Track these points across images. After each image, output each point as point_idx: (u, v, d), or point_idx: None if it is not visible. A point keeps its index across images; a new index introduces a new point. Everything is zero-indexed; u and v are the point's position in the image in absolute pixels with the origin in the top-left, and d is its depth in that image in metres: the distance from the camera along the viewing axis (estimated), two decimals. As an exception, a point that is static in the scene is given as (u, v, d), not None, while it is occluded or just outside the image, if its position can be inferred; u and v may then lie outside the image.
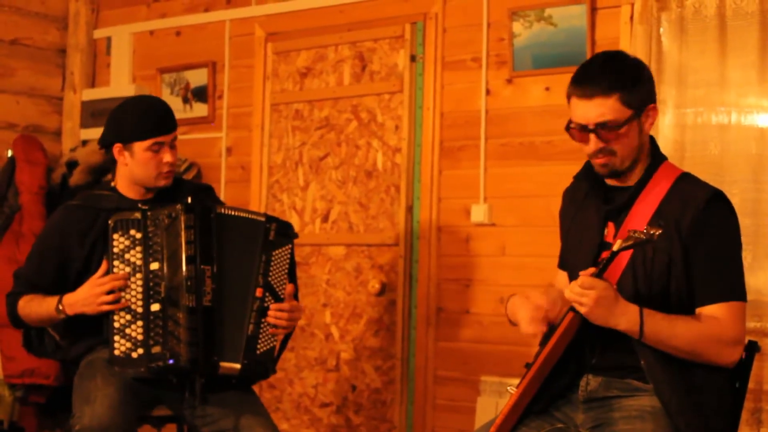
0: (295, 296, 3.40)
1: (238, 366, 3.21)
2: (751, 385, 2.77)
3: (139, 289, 3.20)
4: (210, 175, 5.15)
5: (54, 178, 5.07)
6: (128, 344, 3.18)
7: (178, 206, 3.21)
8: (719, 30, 3.81)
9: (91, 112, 5.44)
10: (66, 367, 4.36)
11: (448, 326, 4.41)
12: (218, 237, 3.26)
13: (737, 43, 3.78)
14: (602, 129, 2.57)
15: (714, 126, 3.84)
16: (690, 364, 2.53)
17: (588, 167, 2.75)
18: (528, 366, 2.61)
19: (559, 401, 2.66)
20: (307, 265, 4.78)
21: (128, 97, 3.59)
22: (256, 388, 3.48)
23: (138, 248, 3.22)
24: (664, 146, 3.11)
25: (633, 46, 3.91)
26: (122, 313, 3.19)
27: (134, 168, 3.33)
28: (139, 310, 3.19)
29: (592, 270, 2.50)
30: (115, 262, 3.23)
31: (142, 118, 3.31)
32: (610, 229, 2.67)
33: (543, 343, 2.59)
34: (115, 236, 3.23)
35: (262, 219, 3.34)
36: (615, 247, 2.46)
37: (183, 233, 3.19)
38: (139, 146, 3.30)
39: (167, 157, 3.32)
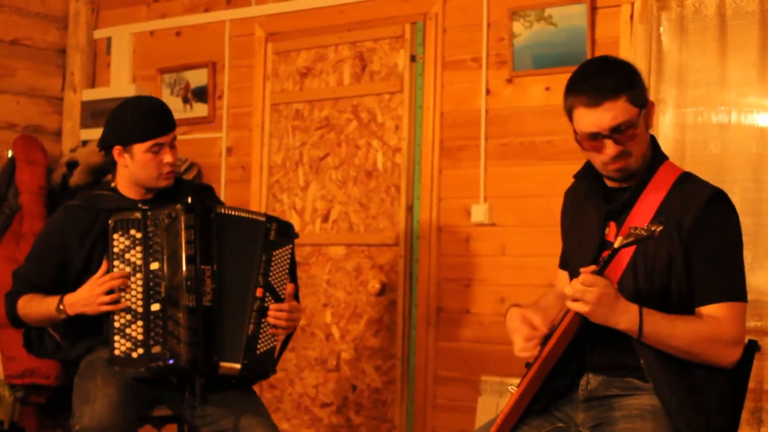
0: (296, 296, 3.40)
1: (238, 366, 3.21)
2: (751, 384, 2.77)
3: (140, 289, 3.20)
4: (210, 175, 5.15)
5: (54, 178, 5.07)
6: (128, 344, 3.18)
7: (179, 206, 3.21)
8: (719, 29, 3.81)
9: (91, 112, 5.44)
10: (66, 367, 4.36)
11: (449, 326, 4.41)
12: (218, 237, 3.26)
13: (737, 42, 3.78)
14: (616, 132, 2.56)
15: (714, 125, 3.84)
16: (690, 364, 2.53)
17: (588, 167, 2.75)
18: (528, 366, 2.61)
19: (559, 400, 2.66)
20: (307, 265, 4.78)
21: (127, 97, 3.58)
22: (256, 388, 3.48)
23: (138, 248, 3.22)
24: (665, 146, 3.10)
25: (633, 45, 3.91)
26: (122, 313, 3.19)
27: (135, 170, 3.33)
28: (139, 310, 3.19)
29: (593, 267, 2.50)
30: (115, 262, 3.23)
31: (140, 120, 3.30)
32: (611, 229, 2.66)
33: (543, 343, 2.59)
34: (116, 236, 3.23)
35: (263, 219, 3.34)
36: (616, 244, 2.46)
37: (183, 233, 3.19)
38: (139, 148, 3.30)
39: (167, 157, 3.32)
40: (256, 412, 3.25)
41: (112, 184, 3.45)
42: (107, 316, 3.21)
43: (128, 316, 3.19)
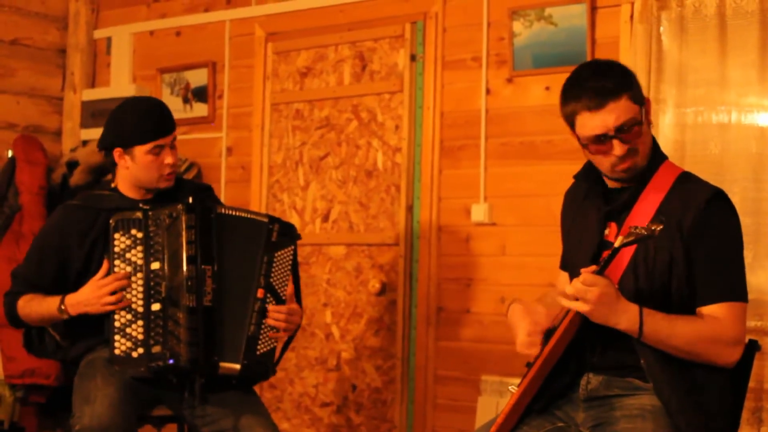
0: (298, 297, 3.40)
1: (238, 366, 3.21)
2: (751, 384, 2.77)
3: (140, 289, 3.20)
4: (210, 175, 5.14)
5: (54, 178, 5.07)
6: (128, 344, 3.18)
7: (179, 206, 3.21)
8: (719, 29, 3.81)
9: (91, 112, 5.44)
10: (66, 367, 4.35)
11: (449, 326, 4.41)
12: (219, 237, 3.26)
13: (737, 42, 3.79)
14: (622, 132, 2.56)
15: (714, 125, 3.84)
16: (690, 364, 2.53)
17: (588, 168, 2.75)
18: (529, 365, 2.61)
19: (559, 400, 2.66)
20: (307, 265, 4.78)
21: (126, 98, 3.58)
22: (256, 387, 3.48)
23: (139, 248, 3.22)
24: (665, 145, 3.11)
25: (633, 45, 3.91)
26: (123, 313, 3.19)
27: (136, 171, 3.33)
28: (140, 309, 3.19)
29: (593, 267, 2.50)
30: (116, 262, 3.23)
31: (140, 122, 3.30)
32: (612, 229, 2.66)
33: (545, 339, 2.59)
34: (116, 236, 3.23)
35: (265, 220, 3.34)
36: (617, 244, 2.46)
37: (184, 233, 3.19)
38: (140, 150, 3.29)
39: (168, 158, 3.32)
40: (256, 411, 3.25)
41: (113, 184, 3.45)
42: (108, 316, 3.21)
43: (129, 316, 3.19)
